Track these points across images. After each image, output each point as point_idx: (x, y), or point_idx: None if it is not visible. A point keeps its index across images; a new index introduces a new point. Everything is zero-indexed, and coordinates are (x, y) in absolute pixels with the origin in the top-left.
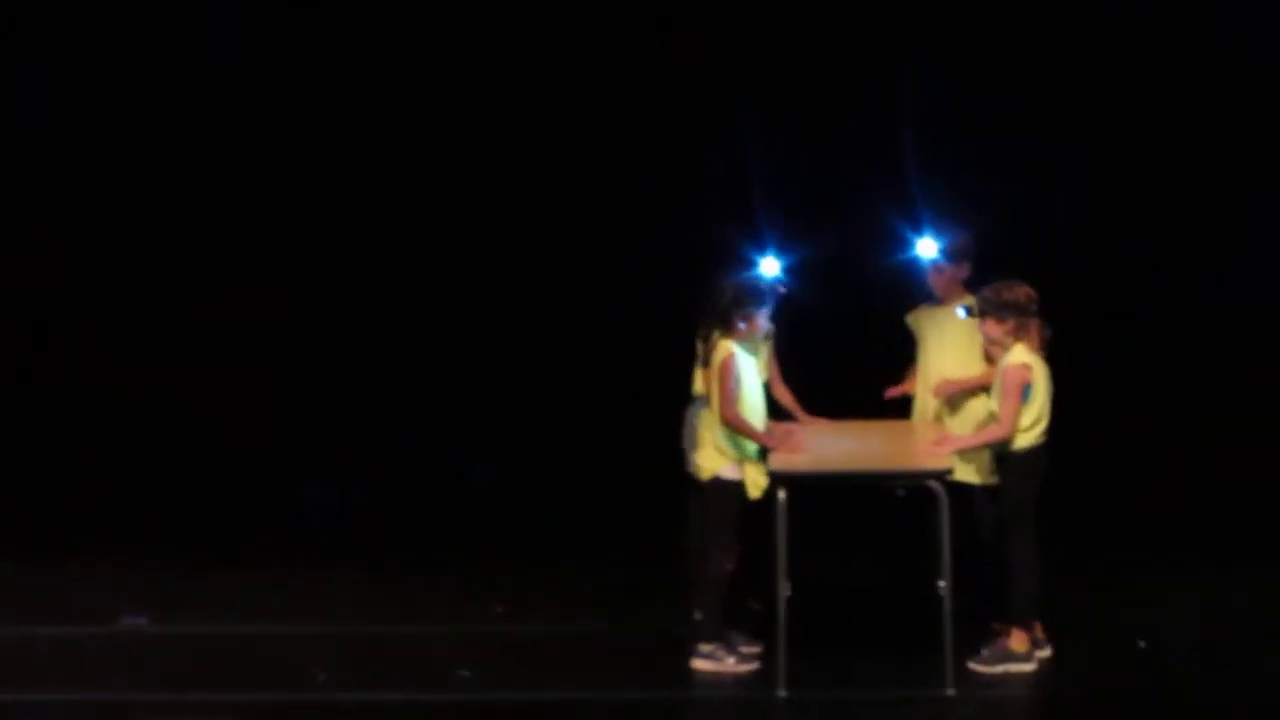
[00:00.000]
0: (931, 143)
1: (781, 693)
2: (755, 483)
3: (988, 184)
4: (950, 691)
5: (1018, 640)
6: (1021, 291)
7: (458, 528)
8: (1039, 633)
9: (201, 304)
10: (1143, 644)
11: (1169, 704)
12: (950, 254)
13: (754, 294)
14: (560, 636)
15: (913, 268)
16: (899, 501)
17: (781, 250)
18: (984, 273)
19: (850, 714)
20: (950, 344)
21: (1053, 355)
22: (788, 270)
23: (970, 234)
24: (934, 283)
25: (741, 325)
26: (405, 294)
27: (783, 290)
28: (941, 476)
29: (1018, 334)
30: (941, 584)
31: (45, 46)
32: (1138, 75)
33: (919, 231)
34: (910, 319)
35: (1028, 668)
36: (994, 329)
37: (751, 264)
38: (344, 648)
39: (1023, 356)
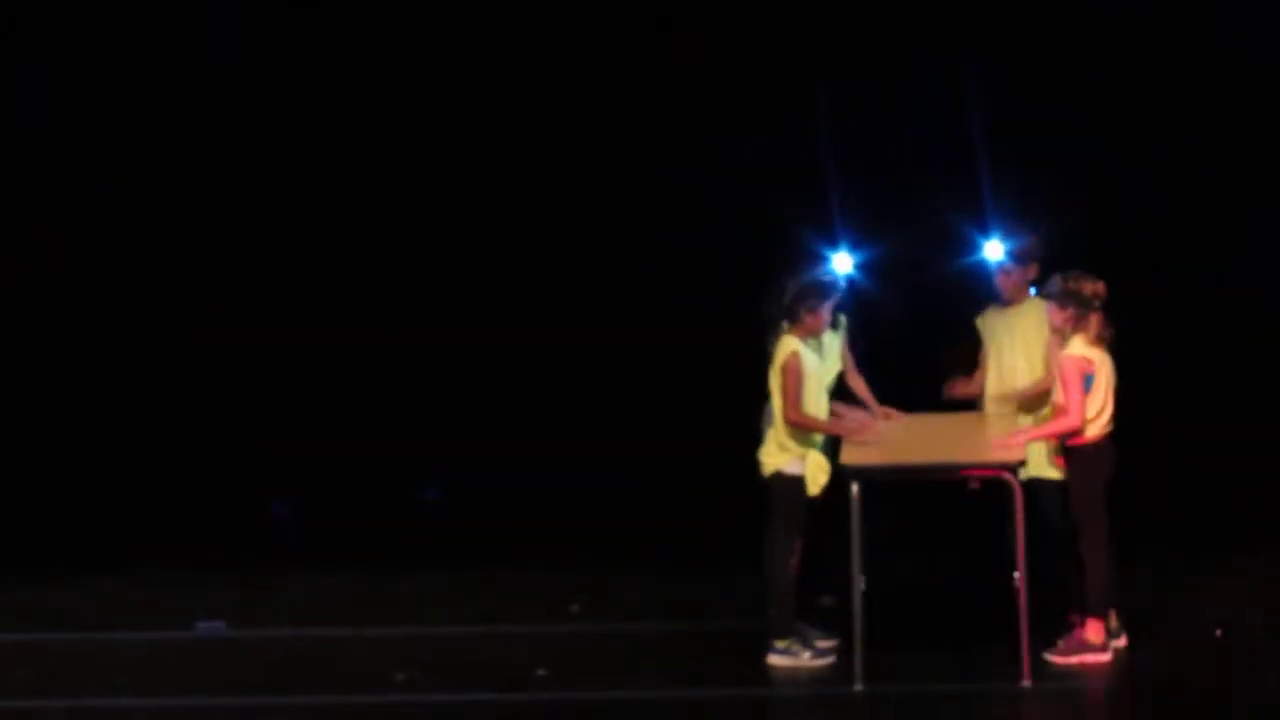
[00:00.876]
0: (1000, 144)
1: (858, 687)
2: (815, 479)
3: (1058, 186)
4: (1026, 683)
5: (1093, 631)
6: (1088, 285)
7: (534, 527)
8: (1114, 623)
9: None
10: (1220, 633)
11: (1246, 694)
12: (1018, 256)
13: (819, 288)
14: (637, 636)
15: (981, 270)
16: (973, 494)
17: (853, 247)
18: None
19: (927, 707)
20: (1021, 344)
21: (1121, 350)
22: (859, 267)
23: (1038, 236)
24: (1001, 284)
25: (807, 319)
26: (466, 296)
27: (849, 284)
28: (1014, 469)
29: (1076, 324)
30: (1016, 576)
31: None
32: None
33: (987, 234)
34: (980, 321)
35: (1104, 658)
36: (1054, 315)
37: (823, 260)
38: (420, 650)
39: (1080, 349)
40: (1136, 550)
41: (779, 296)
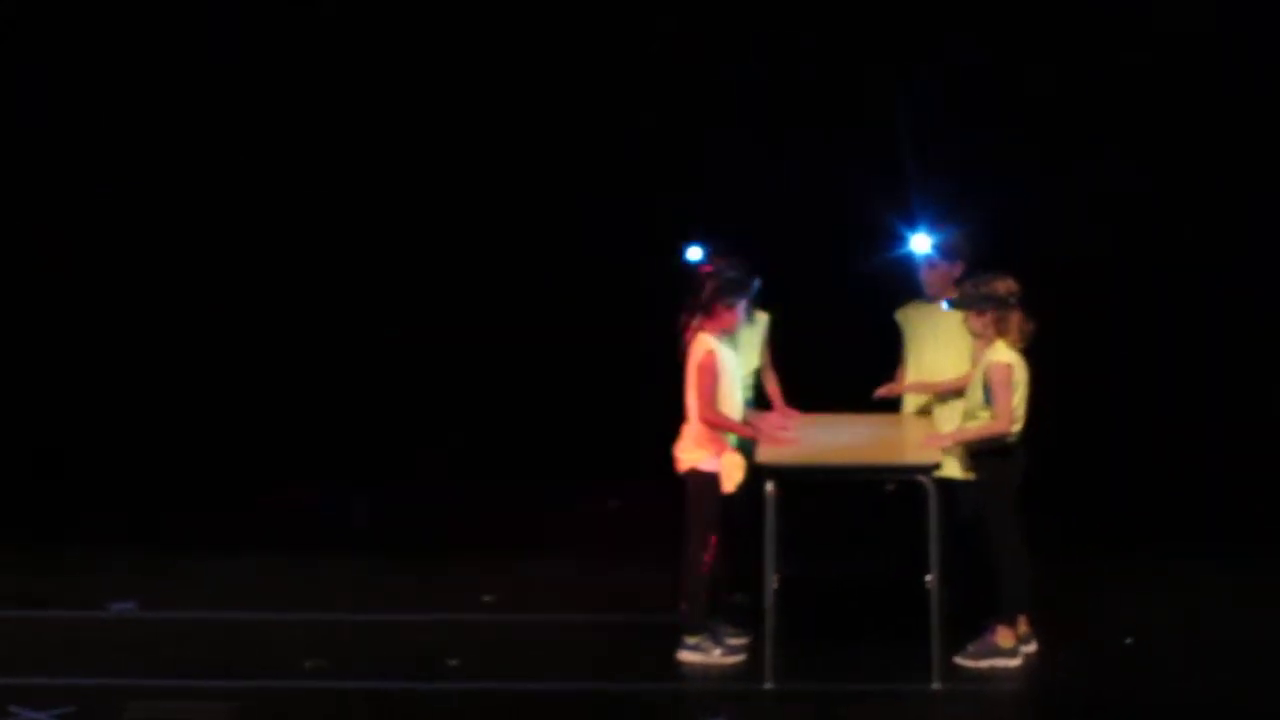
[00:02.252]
0: (929, 140)
1: (769, 684)
2: (730, 476)
3: (983, 181)
4: (936, 685)
5: (1003, 636)
6: (1001, 284)
7: (448, 517)
8: (1025, 628)
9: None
10: (1130, 641)
11: (1155, 701)
12: (944, 251)
13: (734, 285)
14: (547, 627)
15: (905, 264)
16: (886, 495)
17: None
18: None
19: (837, 706)
20: (944, 341)
21: (1039, 350)
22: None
23: (965, 232)
24: (926, 279)
25: (723, 316)
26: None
27: (760, 282)
28: (930, 471)
29: (998, 327)
30: (929, 578)
31: (45, 46)
32: (1135, 73)
33: (913, 228)
34: (900, 315)
35: (1014, 663)
36: (974, 322)
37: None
38: (335, 635)
39: (1005, 355)
40: (1052, 558)
41: (695, 293)
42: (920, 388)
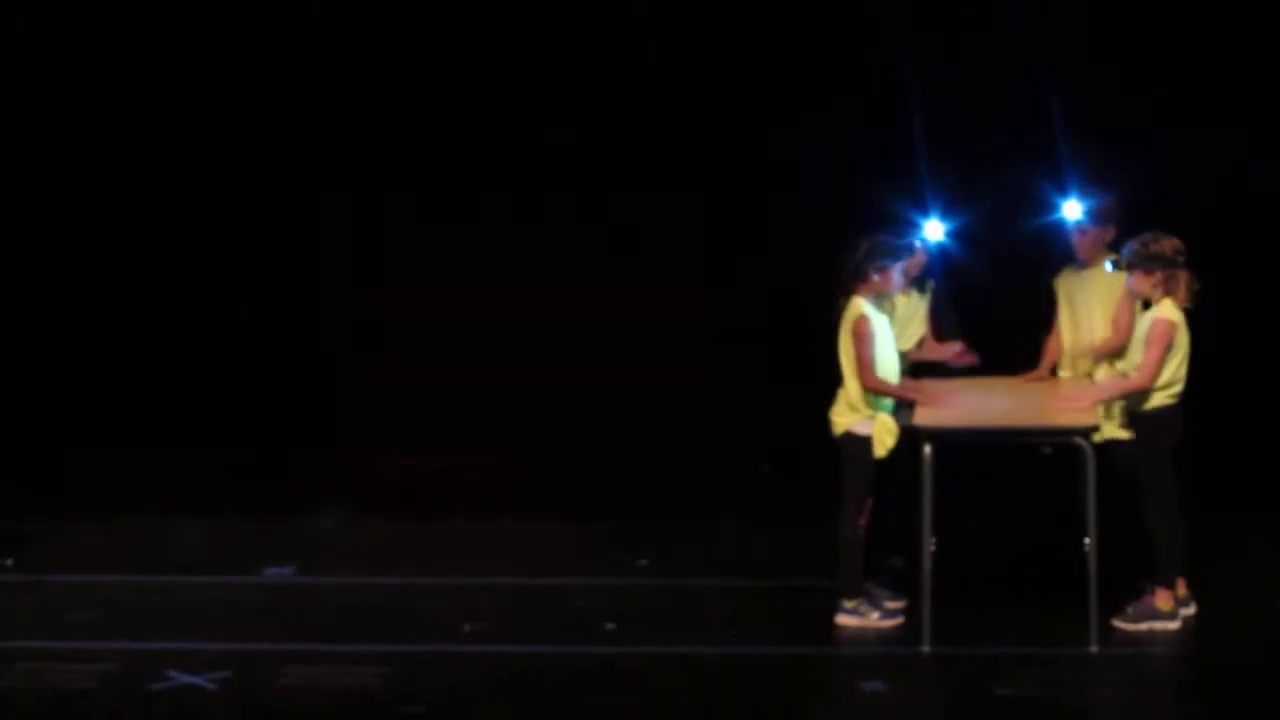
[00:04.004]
0: (1078, 105)
1: (926, 648)
2: (882, 441)
3: (1136, 146)
4: (1094, 649)
5: (1162, 598)
6: (1168, 243)
7: (604, 481)
8: (1183, 591)
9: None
10: None
11: None
12: (1095, 215)
13: (889, 249)
14: (706, 591)
15: (1058, 230)
16: (1045, 458)
17: (943, 214)
18: (1131, 233)
19: (994, 669)
20: (1099, 303)
21: (1199, 314)
22: (950, 234)
23: (1115, 196)
24: (1078, 245)
25: (875, 277)
26: None
27: (940, 251)
28: (1087, 434)
29: (1167, 286)
30: (1087, 541)
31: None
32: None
33: (1065, 194)
34: (1057, 282)
35: (1172, 625)
36: (1142, 282)
37: (909, 226)
38: (489, 599)
39: (1171, 314)
40: (1211, 521)
41: (850, 256)
42: (1081, 355)
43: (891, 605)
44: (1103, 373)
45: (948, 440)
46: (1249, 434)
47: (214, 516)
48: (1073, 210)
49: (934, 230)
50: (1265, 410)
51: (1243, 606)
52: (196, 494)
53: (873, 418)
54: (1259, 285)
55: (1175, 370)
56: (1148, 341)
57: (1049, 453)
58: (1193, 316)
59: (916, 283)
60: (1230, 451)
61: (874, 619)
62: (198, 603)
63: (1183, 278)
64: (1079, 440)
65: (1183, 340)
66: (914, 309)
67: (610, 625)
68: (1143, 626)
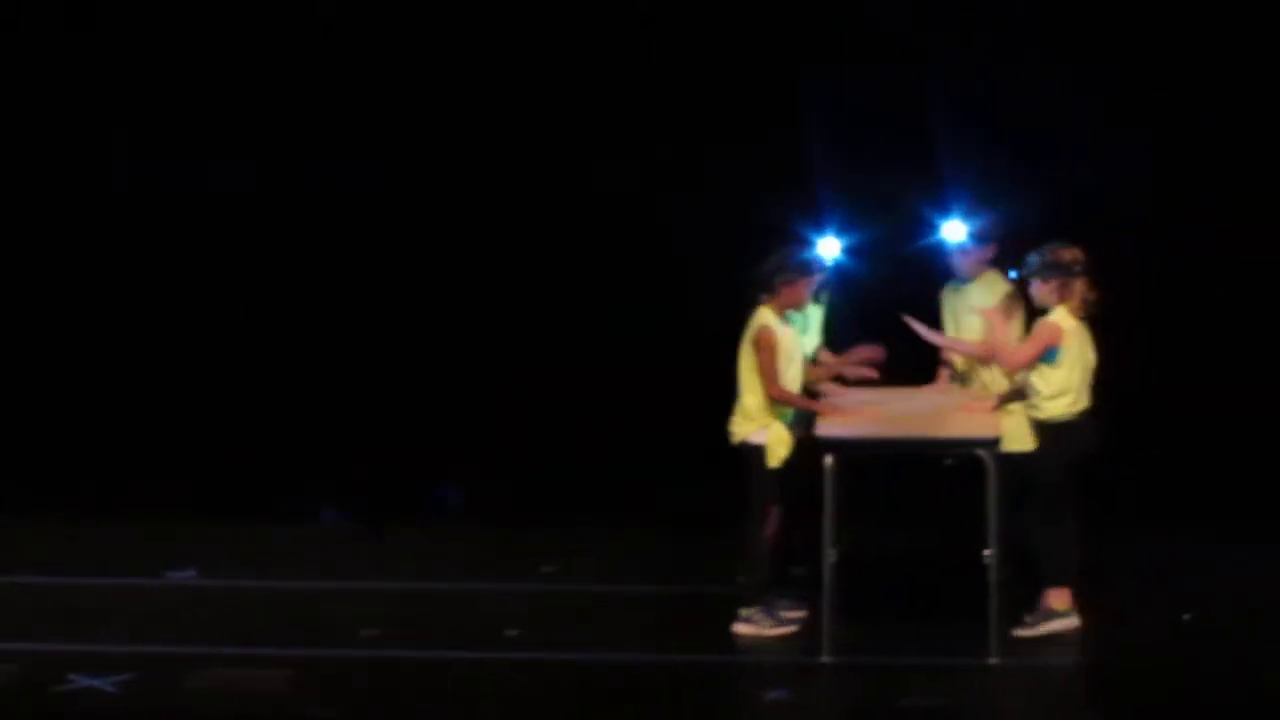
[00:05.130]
0: (962, 123)
1: (826, 658)
2: (774, 452)
3: (1017, 166)
4: (994, 660)
5: (1055, 598)
6: (1067, 253)
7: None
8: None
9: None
10: (1188, 616)
11: (1213, 676)
12: (977, 237)
13: (797, 264)
14: (605, 598)
15: (940, 250)
16: (945, 468)
17: (840, 231)
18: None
19: (894, 681)
20: (979, 316)
21: (1101, 324)
22: (847, 251)
23: (997, 216)
24: (961, 264)
25: (783, 292)
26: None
27: (837, 269)
28: (990, 445)
29: (1061, 294)
30: (987, 552)
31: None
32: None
33: (946, 215)
34: (941, 297)
35: (1073, 623)
36: (1039, 290)
37: (810, 244)
38: (393, 605)
39: (1063, 320)
40: (1111, 533)
41: (758, 270)
42: (969, 367)
43: (789, 614)
44: (989, 376)
45: (849, 451)
46: (1159, 444)
47: (117, 518)
48: (955, 231)
49: (829, 247)
50: (1175, 421)
51: (1143, 618)
52: (99, 496)
53: (768, 427)
54: (1181, 296)
55: (1068, 378)
56: (1030, 338)
57: (951, 464)
58: (1116, 329)
59: (813, 296)
60: (1141, 461)
61: (769, 628)
62: (100, 605)
63: (1077, 286)
64: (980, 452)
65: (1078, 349)
66: (812, 318)
67: (512, 632)
68: (1042, 630)
